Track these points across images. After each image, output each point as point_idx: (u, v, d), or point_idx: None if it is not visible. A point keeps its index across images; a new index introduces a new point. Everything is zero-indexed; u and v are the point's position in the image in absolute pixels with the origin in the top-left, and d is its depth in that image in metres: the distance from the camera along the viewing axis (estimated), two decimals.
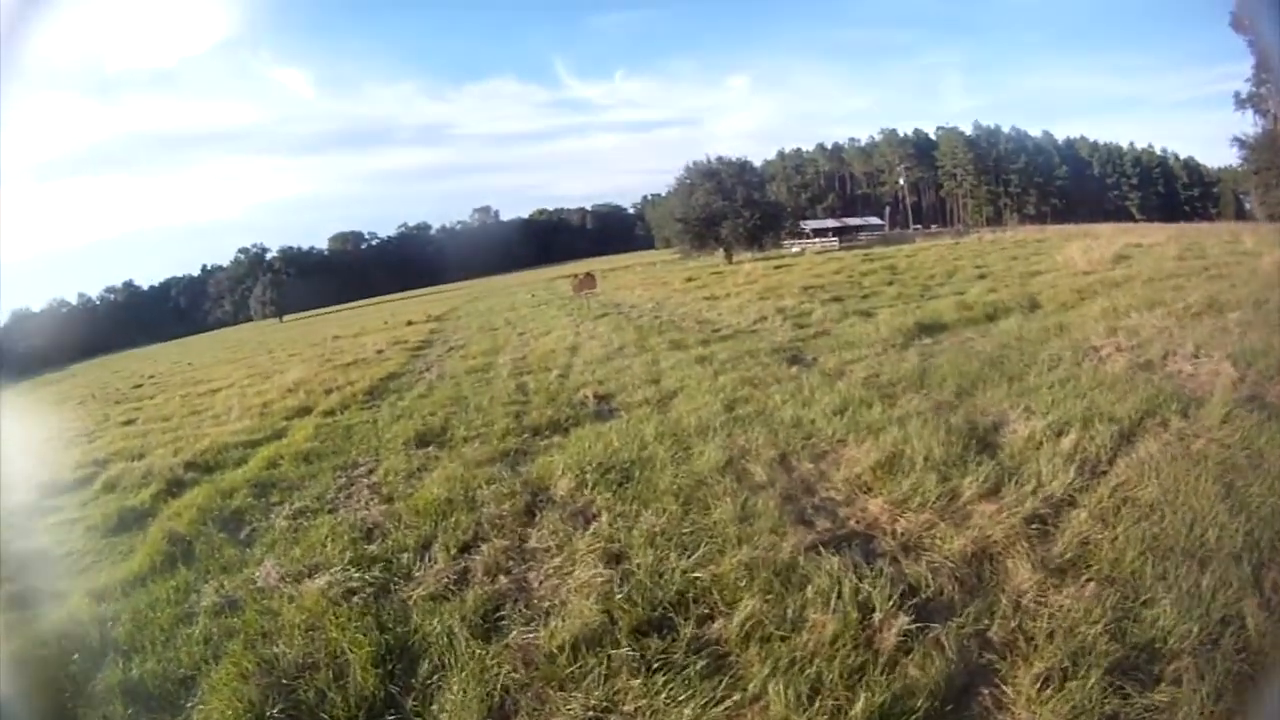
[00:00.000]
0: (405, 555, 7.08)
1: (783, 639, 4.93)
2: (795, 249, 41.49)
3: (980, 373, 10.30)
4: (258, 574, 7.22)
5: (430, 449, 10.67)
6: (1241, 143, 28.76)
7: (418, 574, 6.72)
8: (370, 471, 10.15)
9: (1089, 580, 5.26)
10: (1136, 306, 13.22)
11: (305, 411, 14.96)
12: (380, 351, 22.92)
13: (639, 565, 6.07)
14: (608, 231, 60.25)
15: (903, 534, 6.22)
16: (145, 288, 54.95)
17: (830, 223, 46.83)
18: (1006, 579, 5.44)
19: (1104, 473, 6.90)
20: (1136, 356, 10.39)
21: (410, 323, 31.67)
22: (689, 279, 30.29)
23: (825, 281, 23.97)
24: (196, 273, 55.68)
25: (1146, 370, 9.76)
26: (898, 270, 25.18)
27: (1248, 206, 34.70)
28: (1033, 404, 8.80)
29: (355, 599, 6.37)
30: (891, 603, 5.13)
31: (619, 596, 5.67)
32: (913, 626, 4.89)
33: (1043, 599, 5.15)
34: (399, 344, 24.33)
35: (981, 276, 21.35)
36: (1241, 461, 6.70)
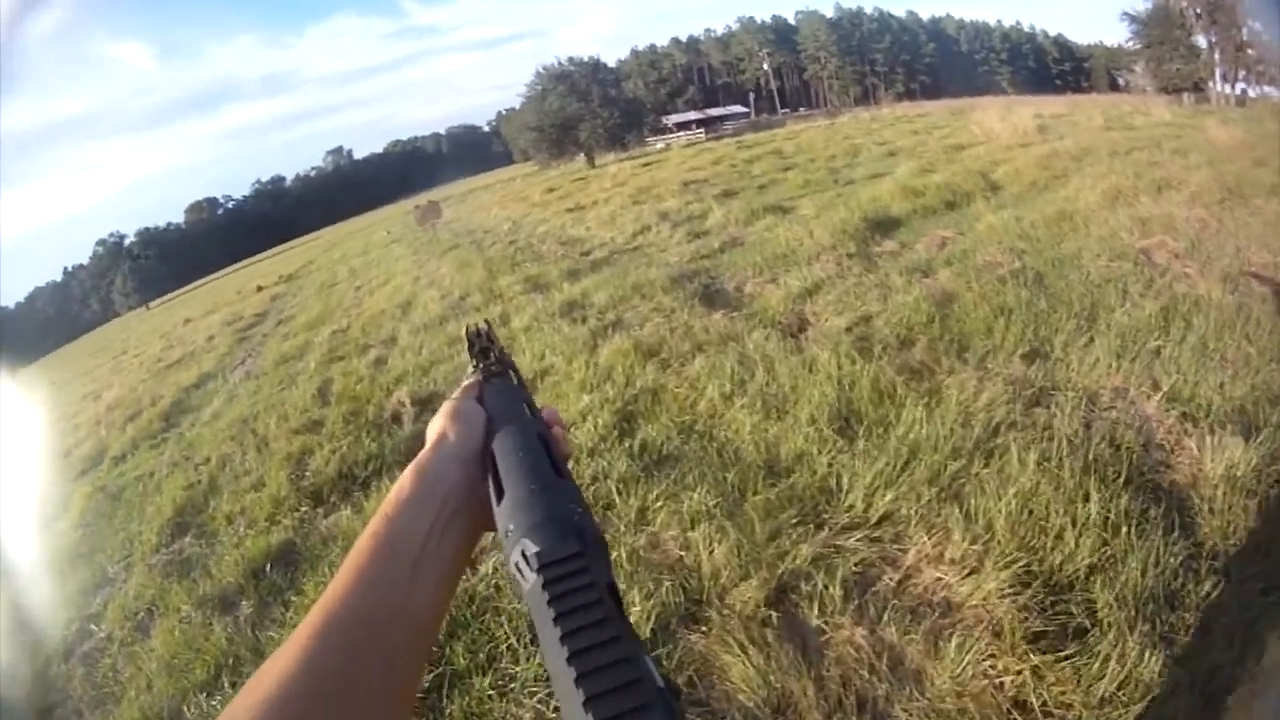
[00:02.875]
0: None
1: None
2: (660, 145, 36.70)
3: (1032, 308, 5.85)
4: None
5: (187, 540, 6.19)
6: (1131, 18, 25.97)
7: None
8: (106, 605, 5.68)
9: None
10: (1140, 188, 9.08)
11: (96, 461, 10.12)
12: (211, 338, 17.48)
13: None
14: (465, 153, 54.95)
15: None
16: (12, 306, 46.57)
17: (693, 115, 42.09)
18: None
19: None
20: (1205, 267, 6.19)
21: (260, 287, 26.11)
22: (549, 190, 24.75)
23: (707, 174, 18.63)
24: (59, 278, 47.50)
25: (1235, 293, 5.61)
26: (786, 154, 20.23)
27: (1121, 81, 31.51)
28: (1159, 375, 4.54)
29: None
30: None
31: None
32: None
33: None
34: (235, 322, 18.78)
35: (892, 154, 16.80)
36: None
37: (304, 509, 5.69)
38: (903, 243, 8.69)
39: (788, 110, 43.25)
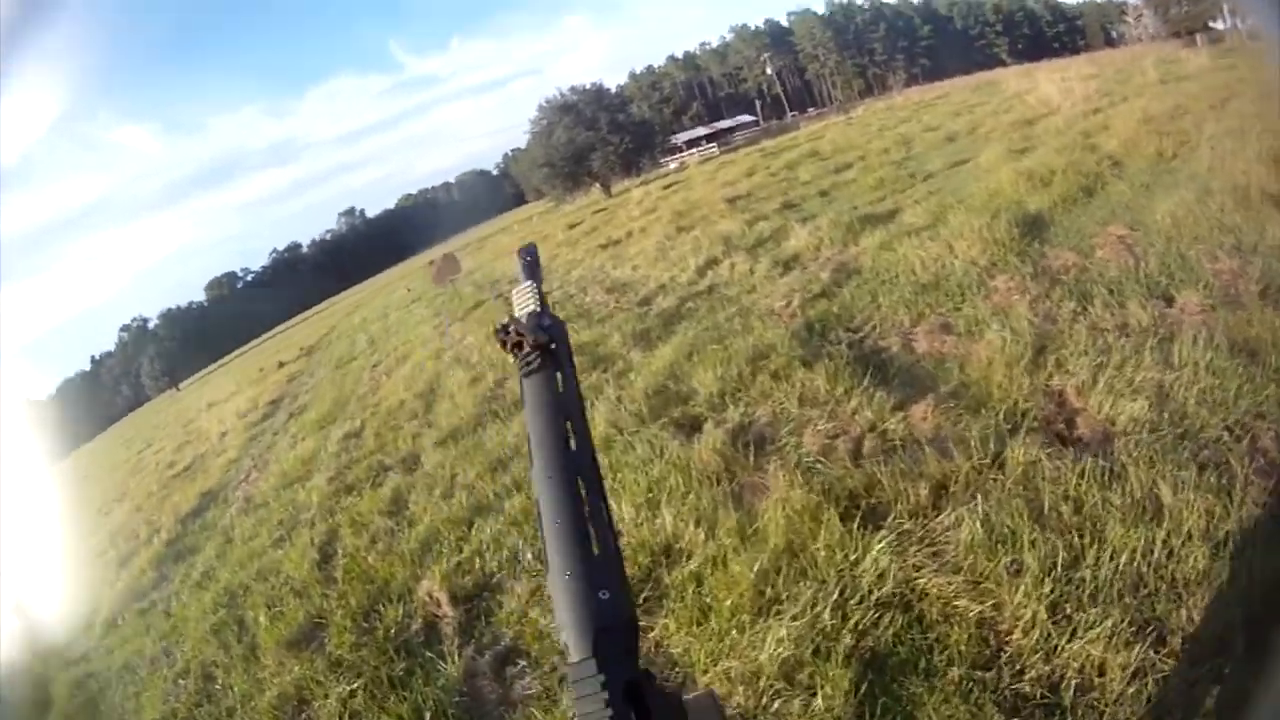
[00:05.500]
0: None
1: None
2: (674, 165, 34.49)
3: None
4: None
5: None
6: None
7: None
8: None
9: None
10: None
11: (89, 623, 7.93)
12: (224, 435, 15.43)
13: None
14: (477, 199, 53.44)
15: None
16: (45, 398, 45.37)
17: (702, 130, 40.01)
18: None
19: None
20: None
21: (281, 364, 23.79)
22: (571, 225, 21.96)
23: (747, 187, 16.01)
24: (87, 367, 45.98)
25: None
26: (824, 155, 17.43)
27: (1114, 35, 31.91)
28: None
29: None
30: None
31: None
32: None
33: None
34: (249, 413, 16.60)
35: (950, 140, 14.20)
36: None
37: None
38: (1077, 250, 6.12)
39: (796, 113, 40.57)
